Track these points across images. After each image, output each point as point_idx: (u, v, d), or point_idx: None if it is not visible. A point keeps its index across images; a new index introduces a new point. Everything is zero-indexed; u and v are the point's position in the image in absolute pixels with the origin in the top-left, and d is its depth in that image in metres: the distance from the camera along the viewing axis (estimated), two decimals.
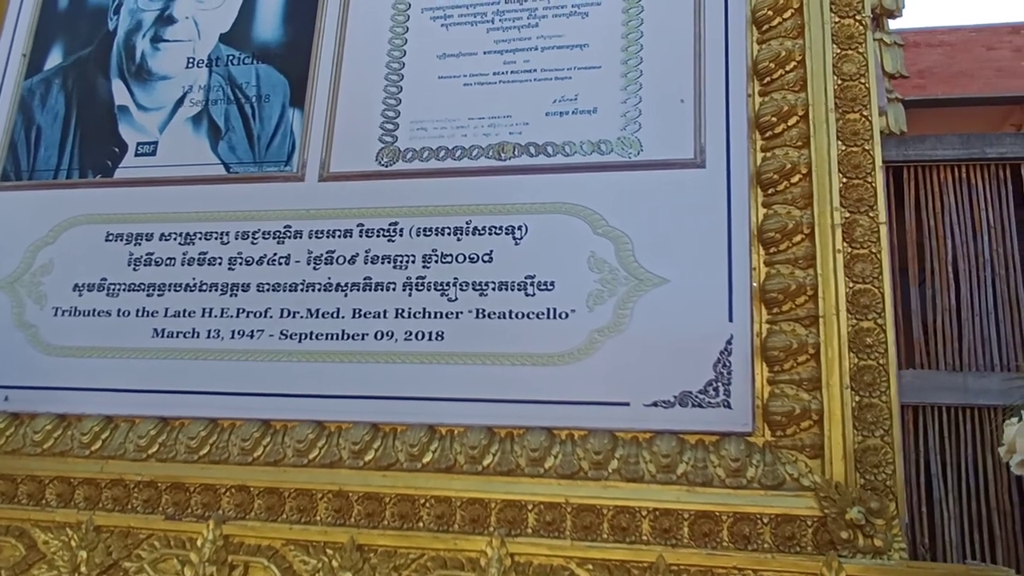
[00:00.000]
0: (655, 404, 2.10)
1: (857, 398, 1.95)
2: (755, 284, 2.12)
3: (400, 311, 2.30)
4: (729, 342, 2.10)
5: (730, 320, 2.12)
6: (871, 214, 2.05)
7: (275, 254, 2.43)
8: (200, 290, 2.45)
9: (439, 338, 2.26)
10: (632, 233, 2.23)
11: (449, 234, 2.34)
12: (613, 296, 2.19)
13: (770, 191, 2.16)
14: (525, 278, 2.26)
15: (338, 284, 2.37)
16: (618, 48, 2.39)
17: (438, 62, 2.50)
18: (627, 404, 2.12)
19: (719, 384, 2.08)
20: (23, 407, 2.45)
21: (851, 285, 2.02)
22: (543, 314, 2.22)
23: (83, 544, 2.03)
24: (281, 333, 2.36)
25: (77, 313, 2.51)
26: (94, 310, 2.50)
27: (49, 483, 2.29)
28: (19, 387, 2.48)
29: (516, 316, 2.24)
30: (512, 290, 2.26)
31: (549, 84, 2.41)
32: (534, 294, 2.24)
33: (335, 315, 2.34)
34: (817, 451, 1.96)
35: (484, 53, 2.48)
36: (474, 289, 2.28)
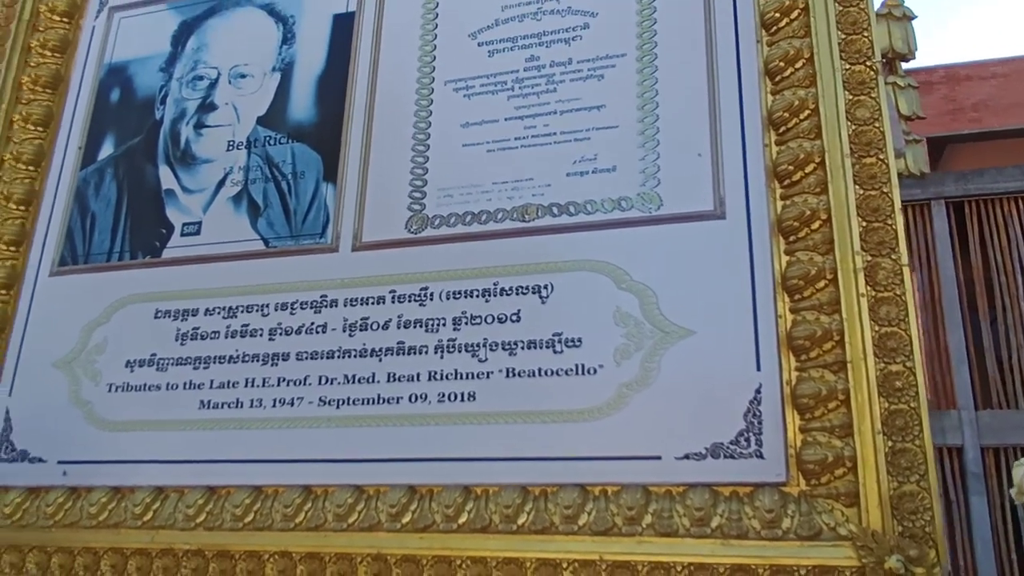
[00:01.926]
0: (687, 456, 2.10)
1: (890, 443, 1.92)
2: (781, 331, 2.12)
3: (433, 373, 2.36)
4: (758, 391, 2.10)
5: (758, 369, 2.12)
6: (893, 256, 2.04)
7: (312, 323, 2.52)
8: (243, 361, 2.55)
9: (471, 399, 2.30)
10: (656, 286, 2.26)
11: (477, 296, 2.40)
12: (640, 350, 2.22)
13: (791, 238, 2.18)
14: (553, 335, 2.30)
15: (373, 350, 2.44)
16: (634, 107, 2.45)
17: (462, 131, 2.60)
18: (659, 458, 2.12)
19: (750, 434, 2.08)
20: (80, 481, 2.55)
21: (877, 329, 2.00)
22: (571, 371, 2.25)
23: None
24: (320, 400, 2.43)
25: (129, 388, 2.63)
26: (145, 385, 2.62)
27: (104, 554, 2.37)
28: (76, 462, 2.59)
29: (545, 374, 2.27)
30: (540, 348, 2.30)
31: (569, 146, 2.47)
32: (562, 351, 2.28)
33: (371, 380, 2.40)
34: (853, 499, 1.93)
35: (505, 120, 2.56)
36: (503, 349, 2.33)
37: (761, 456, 2.05)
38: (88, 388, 2.68)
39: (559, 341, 2.29)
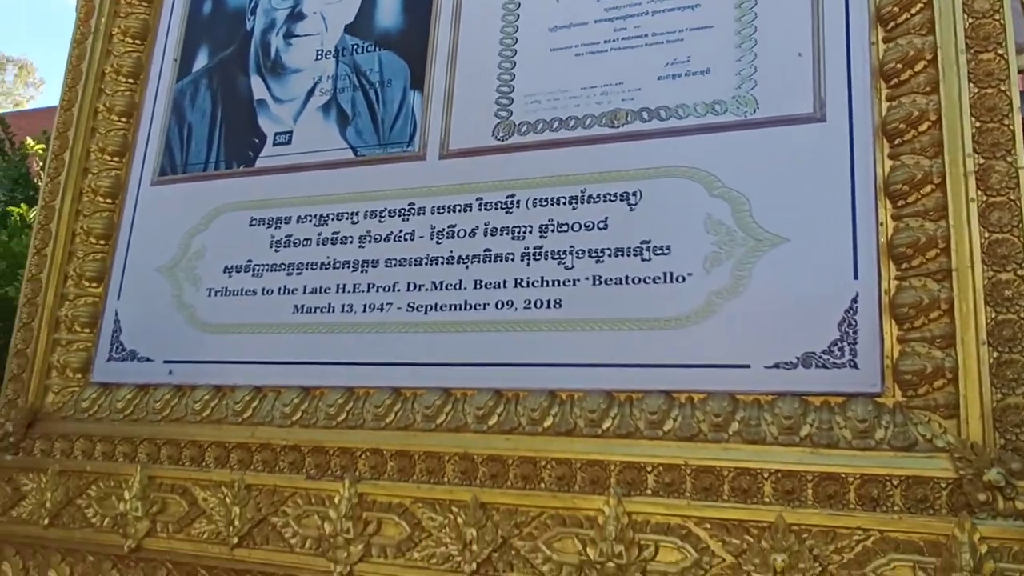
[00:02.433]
0: (776, 366, 2.06)
1: (995, 354, 1.83)
2: (882, 239, 2.03)
3: (519, 280, 2.36)
4: (855, 300, 2.03)
5: (855, 278, 2.04)
6: (1008, 159, 1.91)
7: (400, 231, 2.55)
8: (334, 267, 2.61)
9: (557, 306, 2.30)
10: (749, 193, 2.19)
11: (565, 203, 2.37)
12: (731, 258, 2.16)
13: (896, 141, 2.06)
14: (640, 243, 2.26)
15: (459, 257, 2.45)
16: (730, 5, 2.34)
17: (550, 35, 2.53)
18: (747, 366, 2.08)
19: (844, 344, 2.02)
20: (184, 380, 2.69)
21: (987, 235, 1.89)
22: (659, 278, 2.22)
23: (236, 501, 2.21)
24: (408, 306, 2.47)
25: (228, 293, 2.73)
26: (242, 290, 2.71)
27: (208, 447, 2.51)
28: (181, 362, 2.72)
29: (632, 281, 2.25)
30: (628, 256, 2.27)
31: (660, 48, 2.39)
32: (650, 259, 2.24)
33: (457, 286, 2.43)
34: (952, 411, 1.86)
35: (595, 22, 2.49)
36: (590, 256, 2.31)
37: (855, 366, 1.99)
38: (189, 292, 2.79)
39: (647, 249, 2.25)
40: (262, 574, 2.20)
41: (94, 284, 2.93)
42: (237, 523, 2.19)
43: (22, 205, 4.82)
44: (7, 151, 5.60)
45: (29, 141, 5.49)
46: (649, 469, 2.03)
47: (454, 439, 2.24)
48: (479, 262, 2.43)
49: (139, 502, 2.30)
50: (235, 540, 2.18)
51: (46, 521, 2.42)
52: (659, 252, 2.24)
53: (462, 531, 1.96)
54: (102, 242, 2.97)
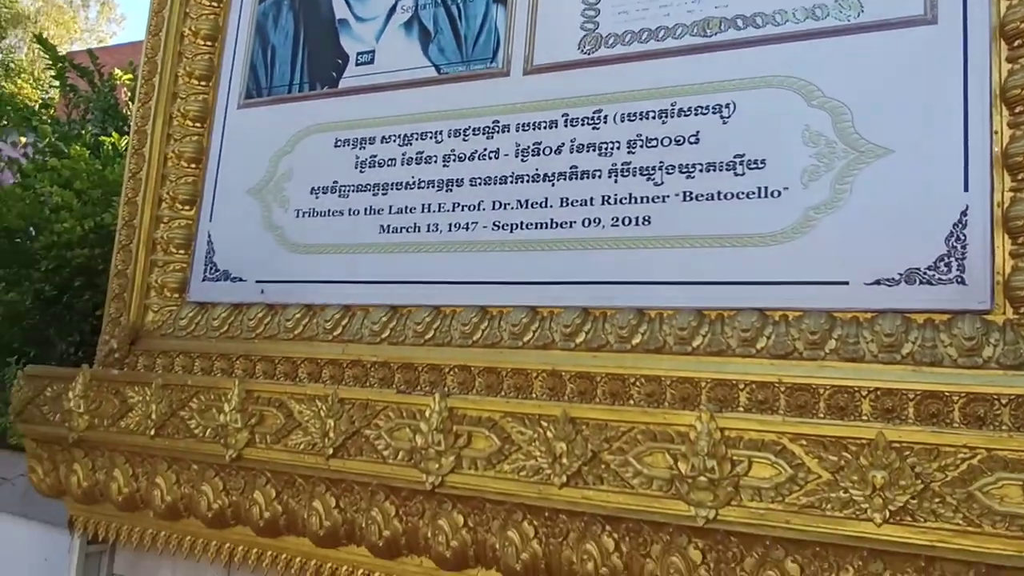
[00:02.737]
0: (877, 282, 1.98)
1: None
2: (996, 149, 1.91)
3: (606, 198, 2.32)
4: (964, 214, 1.93)
5: (965, 190, 1.94)
6: None
7: (485, 149, 2.52)
8: (419, 187, 2.61)
9: (646, 223, 2.26)
10: (851, 102, 2.08)
11: (654, 117, 2.30)
12: (830, 171, 2.07)
13: (1016, 43, 1.92)
14: (734, 157, 2.19)
15: (545, 174, 2.42)
16: None
17: None
18: (846, 283, 2.01)
19: (951, 259, 1.92)
20: (276, 299, 2.75)
21: None
22: (753, 193, 2.15)
23: (330, 414, 2.27)
24: (494, 224, 2.46)
25: (315, 214, 2.77)
26: (329, 210, 2.74)
27: (301, 364, 2.58)
28: (272, 282, 2.79)
29: (725, 197, 2.18)
30: (720, 170, 2.20)
31: None
32: (744, 173, 2.17)
33: (543, 204, 2.40)
34: None
35: None
36: (680, 172, 2.24)
37: (963, 282, 1.90)
38: (278, 214, 2.84)
39: (741, 163, 2.18)
40: (356, 483, 2.27)
41: (187, 207, 3.01)
42: (332, 435, 2.25)
43: (114, 134, 4.95)
44: (96, 83, 5.73)
45: (117, 71, 5.61)
46: (741, 387, 2.00)
47: (542, 356, 2.24)
48: (565, 179, 2.39)
49: (238, 415, 2.39)
50: (330, 451, 2.25)
51: (152, 432, 2.54)
52: (753, 166, 2.16)
53: (552, 445, 1.98)
54: (193, 165, 3.03)
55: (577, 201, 2.36)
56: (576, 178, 2.37)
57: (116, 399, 2.65)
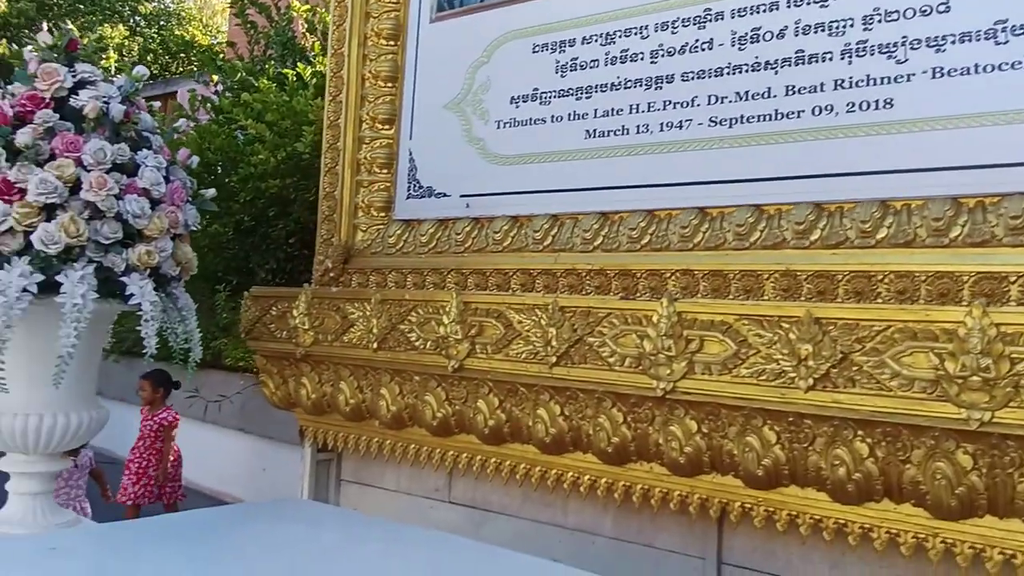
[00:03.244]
0: None
1: None
2: None
3: (839, 82, 2.13)
4: None
5: None
6: None
7: (697, 40, 2.37)
8: (625, 87, 2.50)
9: (888, 106, 2.06)
10: None
11: None
12: None
13: None
14: (994, 24, 1.94)
15: (767, 62, 2.25)
16: None
17: None
18: None
19: None
20: (482, 212, 2.75)
21: None
22: (1020, 63, 1.90)
23: (551, 323, 2.26)
24: (710, 120, 2.33)
25: (516, 124, 2.72)
26: (530, 119, 2.69)
27: (512, 275, 2.58)
28: (476, 195, 2.79)
29: (983, 70, 1.95)
30: (977, 41, 1.96)
31: None
32: (1007, 41, 1.92)
33: (766, 95, 2.24)
34: None
35: None
36: (928, 46, 2.02)
37: None
38: (478, 126, 2.81)
39: (1003, 30, 1.93)
40: (581, 391, 2.26)
41: (386, 126, 3.04)
42: (554, 343, 2.24)
43: (299, 65, 5.09)
44: (274, 17, 5.91)
45: (295, 2, 5.74)
46: (1012, 279, 1.81)
47: (773, 256, 2.12)
48: (790, 65, 2.21)
49: (458, 326, 2.42)
50: (553, 360, 2.24)
51: (374, 345, 2.63)
52: (1018, 33, 1.91)
53: (795, 347, 1.87)
54: (389, 84, 3.05)
55: (805, 88, 2.18)
56: (803, 63, 2.19)
57: (337, 315, 2.76)
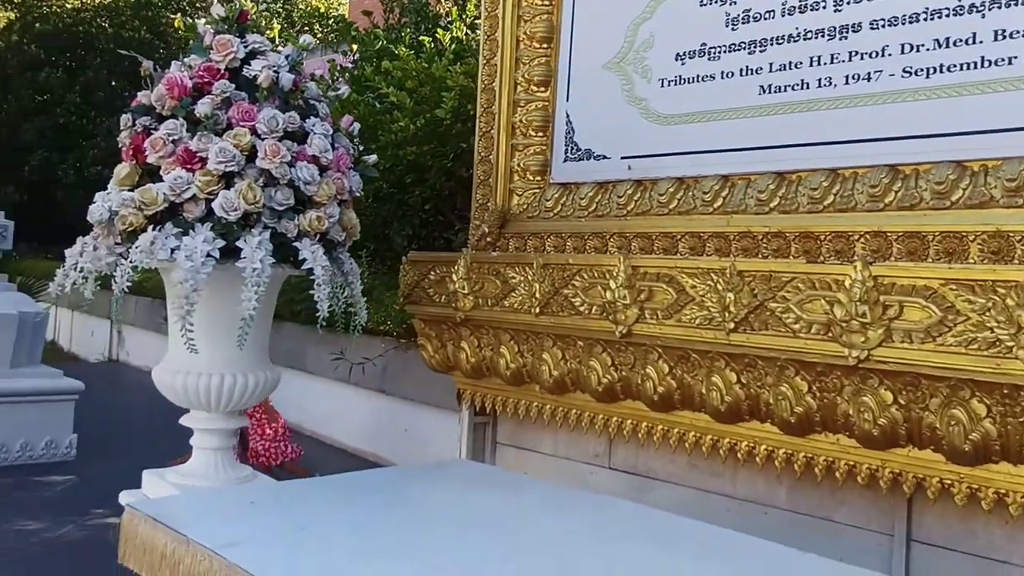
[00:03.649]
0: None
1: None
2: None
3: None
4: None
5: None
6: None
7: None
8: (804, 39, 2.36)
9: None
10: None
11: None
12: None
13: None
14: None
15: (971, 5, 2.07)
16: None
17: None
18: None
19: None
20: (645, 174, 2.68)
21: None
22: None
23: (729, 287, 2.17)
24: (904, 71, 2.17)
25: (682, 81, 2.62)
26: (698, 76, 2.58)
27: (680, 238, 2.50)
28: (638, 156, 2.71)
29: None
30: None
31: None
32: None
33: (970, 41, 2.06)
34: None
35: None
36: None
37: None
38: (640, 85, 2.73)
39: None
40: (760, 358, 2.17)
41: (542, 88, 2.99)
42: (732, 309, 2.16)
43: (439, 31, 5.10)
44: None
45: None
46: None
47: (980, 216, 1.97)
48: (999, 7, 2.03)
49: (626, 291, 2.37)
50: (731, 326, 2.16)
51: (537, 310, 2.61)
52: None
53: (1012, 314, 1.73)
54: (545, 46, 2.99)
55: (1018, 32, 1.99)
56: (1015, 3, 2.00)
57: (497, 280, 2.75)
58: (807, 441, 2.18)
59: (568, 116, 2.92)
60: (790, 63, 2.37)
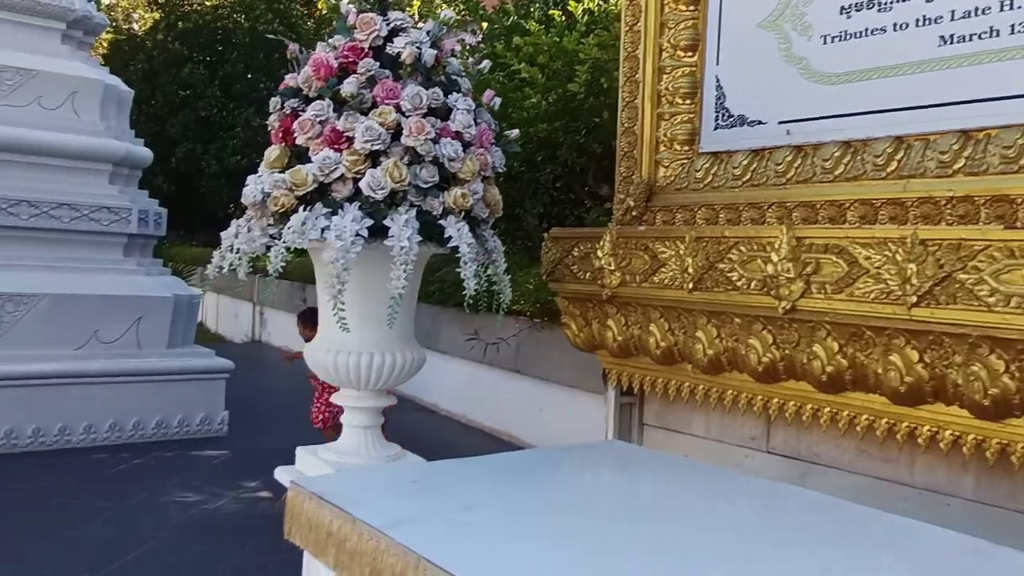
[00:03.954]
0: None
1: None
2: None
3: None
4: None
5: None
6: None
7: None
8: None
9: None
10: None
11: None
12: None
13: None
14: None
15: None
16: None
17: None
18: None
19: None
20: (805, 139, 2.50)
21: None
22: None
23: (910, 258, 1.99)
24: None
25: (847, 37, 2.42)
26: (866, 30, 2.38)
27: (849, 206, 2.32)
28: (798, 120, 2.53)
29: None
30: None
31: None
32: None
33: None
34: None
35: None
36: None
37: None
38: (799, 43, 2.54)
39: None
40: (947, 335, 1.98)
41: (689, 53, 2.85)
42: (914, 281, 1.97)
43: (571, 3, 5.00)
44: None
45: None
46: None
47: None
48: None
49: (789, 264, 2.22)
50: (913, 299, 1.98)
51: (689, 285, 2.49)
52: None
53: None
54: (691, 7, 2.84)
55: None
56: None
57: (646, 255, 2.64)
58: (1003, 426, 1.98)
59: (718, 80, 2.77)
60: (976, 9, 2.14)
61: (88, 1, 5.87)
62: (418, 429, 5.46)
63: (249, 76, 14.22)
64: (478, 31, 5.83)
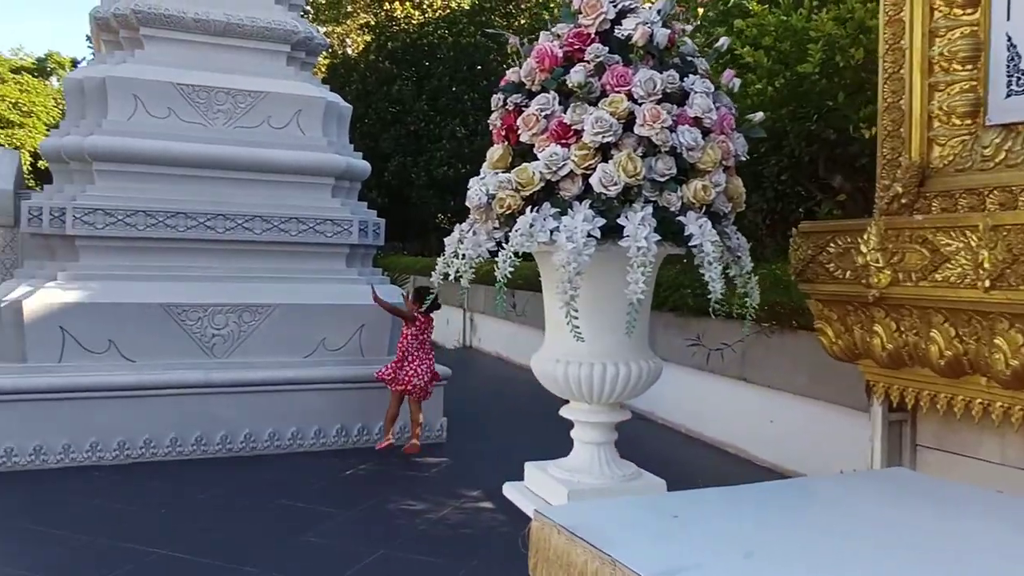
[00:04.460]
0: None
1: None
2: None
3: None
4: None
5: None
6: None
7: None
8: None
9: None
10: None
11: None
12: None
13: None
14: None
15: None
16: None
17: None
18: None
19: None
20: None
21: None
22: None
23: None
24: None
25: None
26: None
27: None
28: None
29: None
30: None
31: None
32: None
33: None
34: None
35: None
36: None
37: None
38: None
39: None
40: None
41: (969, 10, 2.40)
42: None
43: None
44: None
45: None
46: None
47: None
48: None
49: None
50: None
51: (985, 284, 2.06)
52: None
53: None
54: None
55: None
56: None
57: (924, 249, 2.24)
58: None
59: (1009, 39, 2.31)
60: None
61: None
62: (637, 440, 5.20)
63: (454, 89, 14.64)
64: (691, 18, 5.50)
